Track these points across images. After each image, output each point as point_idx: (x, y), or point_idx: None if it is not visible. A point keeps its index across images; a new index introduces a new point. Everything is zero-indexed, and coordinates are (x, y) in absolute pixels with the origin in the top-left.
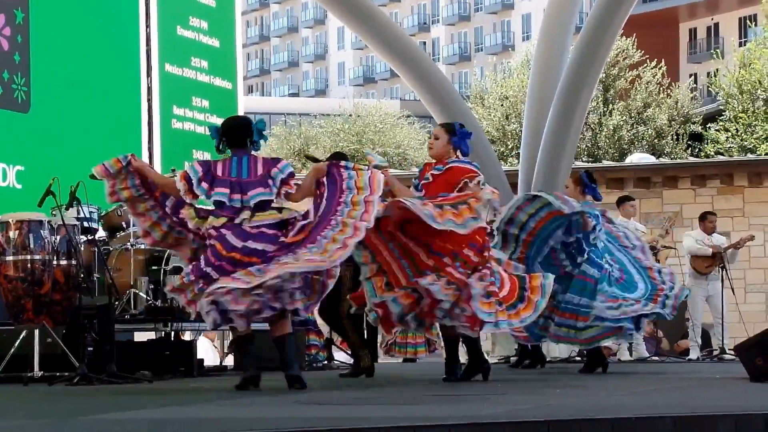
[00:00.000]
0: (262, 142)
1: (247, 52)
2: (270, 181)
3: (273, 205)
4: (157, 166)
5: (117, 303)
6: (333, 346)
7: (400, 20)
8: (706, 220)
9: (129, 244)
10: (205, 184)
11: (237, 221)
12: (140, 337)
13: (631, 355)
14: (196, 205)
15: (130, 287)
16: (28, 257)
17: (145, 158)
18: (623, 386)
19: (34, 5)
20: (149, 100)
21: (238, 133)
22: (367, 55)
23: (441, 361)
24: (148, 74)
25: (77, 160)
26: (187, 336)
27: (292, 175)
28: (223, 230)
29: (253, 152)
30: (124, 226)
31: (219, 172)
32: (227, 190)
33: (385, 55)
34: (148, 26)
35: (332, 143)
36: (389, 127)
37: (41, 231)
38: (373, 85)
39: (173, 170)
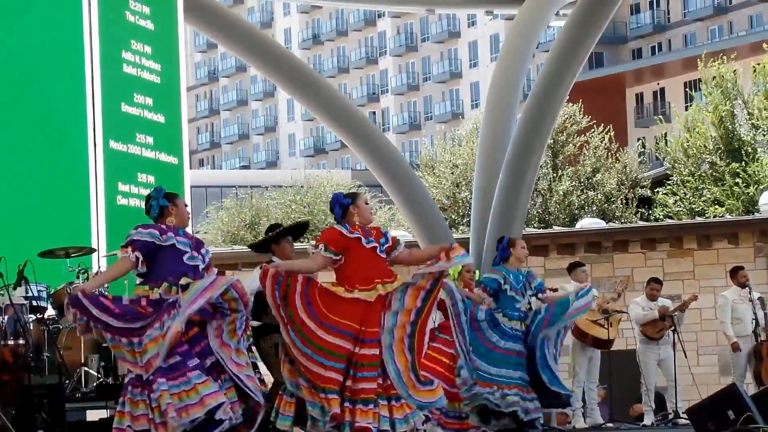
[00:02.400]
0: (158, 208)
1: (197, 126)
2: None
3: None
4: (102, 243)
5: (68, 382)
6: None
7: (349, 91)
8: (649, 287)
9: None
10: None
11: None
12: (92, 416)
13: (585, 421)
14: None
15: (81, 365)
16: None
17: (94, 235)
18: None
19: None
20: (95, 177)
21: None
22: (318, 126)
23: None
24: (93, 151)
25: (26, 238)
26: None
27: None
28: None
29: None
30: None
31: None
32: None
33: (334, 126)
34: (92, 103)
35: (284, 215)
36: None
37: None
38: (324, 156)
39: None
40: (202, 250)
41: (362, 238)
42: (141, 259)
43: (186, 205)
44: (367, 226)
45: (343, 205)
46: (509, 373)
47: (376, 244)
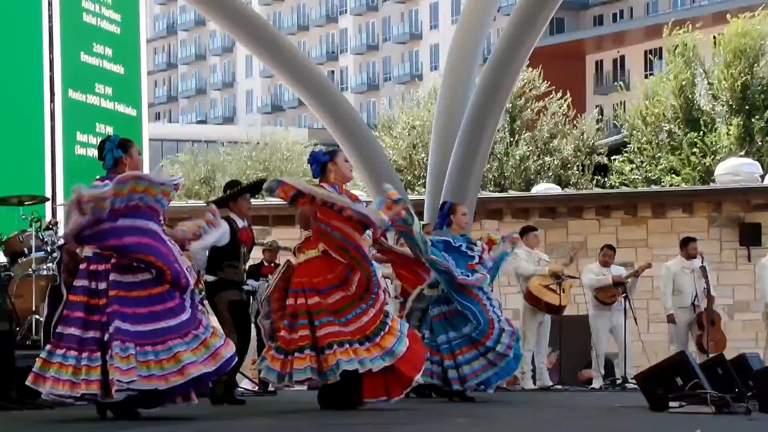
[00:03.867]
0: (113, 159)
1: (154, 79)
2: None
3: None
4: (60, 192)
5: (18, 329)
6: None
7: (308, 49)
8: (602, 253)
9: (31, 269)
10: None
11: None
12: None
13: (534, 383)
14: None
15: (32, 313)
16: None
17: (48, 184)
18: (526, 416)
19: None
20: (52, 127)
21: (99, 154)
22: (276, 84)
23: None
24: (52, 100)
25: None
26: None
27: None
28: None
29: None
30: (26, 251)
31: None
32: None
33: (292, 83)
34: (51, 52)
35: (239, 171)
36: (296, 156)
37: None
38: (281, 114)
39: None
40: None
41: None
42: None
43: (140, 153)
44: (344, 184)
45: (320, 162)
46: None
47: None
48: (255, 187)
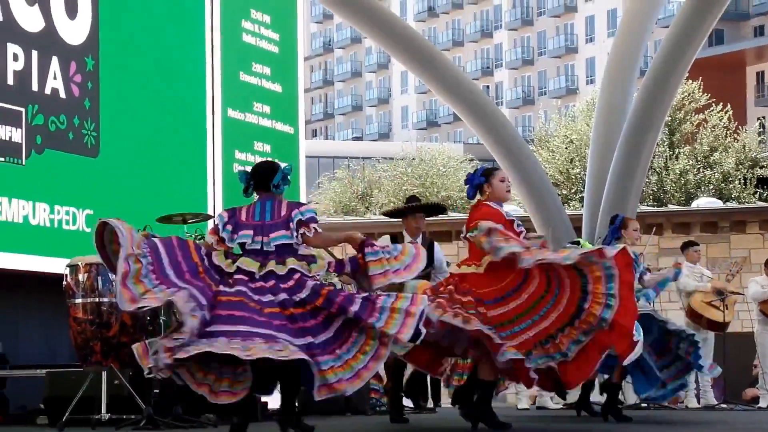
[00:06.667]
0: (285, 186)
1: (311, 96)
2: (291, 224)
3: (300, 252)
4: (219, 211)
5: None
6: None
7: (463, 64)
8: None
9: None
10: (229, 227)
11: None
12: None
13: (698, 402)
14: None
15: None
16: (97, 300)
17: (210, 202)
18: None
19: (104, 53)
20: (212, 145)
21: (263, 178)
22: (430, 99)
23: (499, 404)
24: (212, 119)
25: (145, 204)
26: None
27: (312, 218)
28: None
29: (278, 196)
30: None
31: (243, 217)
32: (251, 232)
33: (448, 99)
34: (212, 71)
35: (395, 187)
36: (452, 171)
37: (109, 274)
38: (436, 129)
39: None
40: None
41: None
42: (216, 240)
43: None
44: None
45: (474, 184)
46: None
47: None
48: (431, 208)
